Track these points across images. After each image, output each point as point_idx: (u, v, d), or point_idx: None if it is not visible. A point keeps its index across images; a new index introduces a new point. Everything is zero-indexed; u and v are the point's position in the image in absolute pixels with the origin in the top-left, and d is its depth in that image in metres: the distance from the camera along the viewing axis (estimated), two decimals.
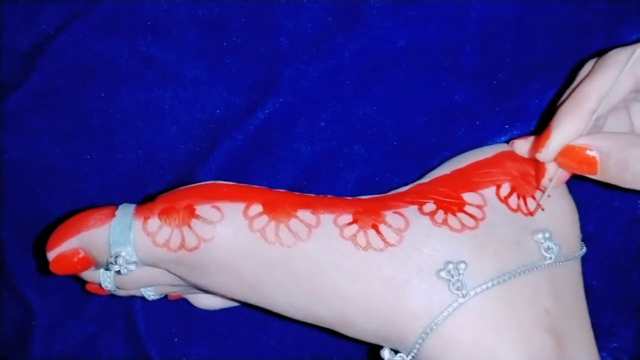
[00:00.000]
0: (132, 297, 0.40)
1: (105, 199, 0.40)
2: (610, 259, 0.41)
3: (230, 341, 0.42)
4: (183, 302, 0.40)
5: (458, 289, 0.30)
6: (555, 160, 0.32)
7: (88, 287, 0.36)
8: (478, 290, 0.30)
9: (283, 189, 0.35)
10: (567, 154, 0.31)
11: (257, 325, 0.42)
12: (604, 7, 0.37)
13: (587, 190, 0.40)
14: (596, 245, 0.40)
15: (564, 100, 0.32)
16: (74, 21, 0.37)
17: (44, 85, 0.38)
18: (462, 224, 0.32)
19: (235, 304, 0.39)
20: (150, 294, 0.37)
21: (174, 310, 0.41)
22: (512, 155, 0.35)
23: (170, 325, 0.42)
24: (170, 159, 0.39)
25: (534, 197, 0.34)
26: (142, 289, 0.36)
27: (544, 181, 0.33)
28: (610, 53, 0.31)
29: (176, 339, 0.42)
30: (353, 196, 0.35)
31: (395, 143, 0.39)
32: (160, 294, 0.37)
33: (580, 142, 0.31)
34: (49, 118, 0.39)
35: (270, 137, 0.39)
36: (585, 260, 0.35)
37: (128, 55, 0.38)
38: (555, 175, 0.32)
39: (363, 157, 0.39)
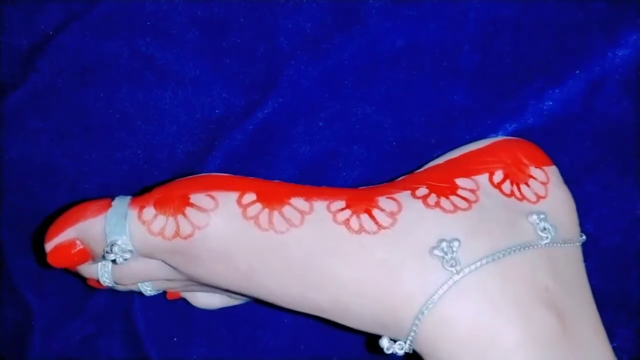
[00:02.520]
0: (131, 297, 0.40)
1: None
2: (610, 259, 0.41)
3: (229, 341, 0.42)
4: (182, 302, 0.40)
5: (452, 266, 0.30)
6: None
7: (89, 281, 0.36)
8: (472, 267, 0.30)
9: None
10: None
11: (257, 324, 0.42)
12: (603, 6, 0.37)
13: (585, 190, 0.40)
14: (595, 245, 0.40)
15: None
16: (73, 21, 0.37)
17: (44, 85, 0.38)
18: (455, 206, 0.32)
19: (234, 302, 0.39)
20: (148, 289, 0.37)
21: (173, 310, 0.41)
22: (506, 145, 0.36)
23: (169, 325, 0.42)
24: (170, 158, 0.39)
25: (527, 184, 0.34)
26: (139, 285, 0.36)
27: None
28: None
29: (175, 339, 0.42)
30: None
31: (394, 143, 0.39)
32: (158, 290, 0.37)
33: None
34: (48, 118, 0.39)
35: (269, 137, 0.39)
36: (584, 260, 0.35)
37: (127, 55, 0.38)
38: None
39: (362, 157, 0.39)
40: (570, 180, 0.37)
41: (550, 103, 0.38)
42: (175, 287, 0.38)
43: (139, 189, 0.39)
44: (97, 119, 0.39)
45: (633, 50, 0.38)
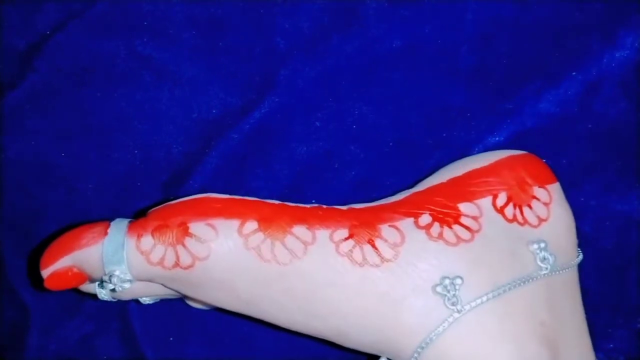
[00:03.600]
0: None
1: (101, 199, 0.40)
2: (607, 260, 0.41)
3: (226, 341, 0.42)
4: (178, 302, 0.40)
5: (453, 304, 0.30)
6: None
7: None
8: (473, 304, 0.30)
9: (279, 188, 0.35)
10: None
11: (253, 324, 0.41)
12: (601, 7, 0.37)
13: (583, 192, 0.40)
14: (592, 247, 0.40)
15: None
16: (70, 21, 0.37)
17: (41, 85, 0.38)
18: (458, 237, 0.32)
19: None
20: (146, 300, 0.37)
21: (169, 309, 0.41)
22: (510, 164, 0.35)
23: (165, 324, 0.42)
24: (167, 158, 0.39)
25: (530, 207, 0.34)
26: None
27: None
28: None
29: (171, 339, 0.42)
30: (349, 197, 0.35)
31: (391, 143, 0.39)
32: (155, 299, 0.37)
33: None
34: (45, 118, 0.39)
35: (266, 136, 0.39)
36: (581, 261, 0.35)
37: (124, 55, 0.38)
38: None
39: (359, 158, 0.39)
40: (568, 181, 0.37)
41: (548, 104, 0.38)
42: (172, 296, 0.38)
43: (135, 189, 0.39)
44: (94, 119, 0.39)
45: (631, 52, 0.38)
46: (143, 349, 0.41)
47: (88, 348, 0.42)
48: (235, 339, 0.42)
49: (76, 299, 0.42)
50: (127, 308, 0.42)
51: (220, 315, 0.41)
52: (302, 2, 0.37)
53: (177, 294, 0.35)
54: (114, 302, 0.38)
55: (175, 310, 0.41)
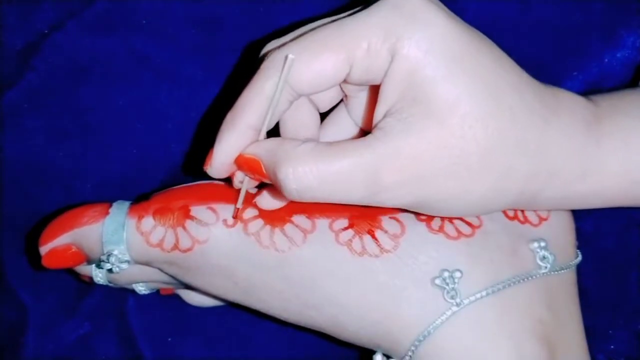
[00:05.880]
0: (125, 296, 0.40)
1: (99, 198, 0.39)
2: (608, 261, 0.40)
3: (224, 340, 0.42)
4: (177, 301, 0.40)
5: (452, 298, 0.30)
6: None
7: (82, 276, 0.36)
8: (472, 299, 0.30)
9: None
10: (239, 163, 0.29)
11: (252, 324, 0.41)
12: (601, 7, 0.37)
13: None
14: (593, 247, 0.40)
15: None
16: (69, 20, 0.37)
17: (39, 84, 0.38)
18: (459, 231, 0.32)
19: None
20: (142, 289, 0.37)
21: (167, 309, 0.41)
22: None
23: (164, 324, 0.42)
24: (165, 157, 0.39)
25: None
26: (133, 284, 0.36)
27: (235, 182, 0.31)
28: (268, 60, 0.28)
29: (170, 339, 0.42)
30: None
31: None
32: (152, 289, 0.37)
33: (246, 151, 0.29)
34: (43, 117, 0.39)
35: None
36: (582, 261, 0.35)
37: (123, 54, 0.38)
38: (244, 179, 0.31)
39: None
40: None
41: None
42: (169, 287, 0.38)
43: (133, 188, 0.39)
44: (92, 118, 0.39)
45: (632, 52, 0.38)
46: (141, 349, 0.41)
47: (86, 348, 0.42)
48: (234, 339, 0.42)
49: (74, 299, 0.42)
50: (125, 308, 0.42)
51: (219, 315, 0.41)
52: (301, 0, 0.37)
53: (174, 280, 0.34)
54: (112, 300, 0.38)
55: (173, 309, 0.41)
